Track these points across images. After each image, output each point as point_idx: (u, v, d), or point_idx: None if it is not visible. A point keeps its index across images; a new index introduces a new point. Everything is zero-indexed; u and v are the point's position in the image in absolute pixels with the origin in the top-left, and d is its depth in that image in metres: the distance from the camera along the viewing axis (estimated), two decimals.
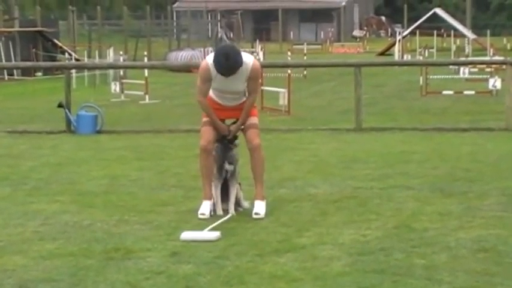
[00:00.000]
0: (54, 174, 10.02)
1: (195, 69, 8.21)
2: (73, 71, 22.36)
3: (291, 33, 61.69)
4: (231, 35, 51.92)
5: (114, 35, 49.36)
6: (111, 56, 27.99)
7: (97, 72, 26.82)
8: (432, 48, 39.48)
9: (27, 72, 30.72)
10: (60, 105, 14.70)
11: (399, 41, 39.26)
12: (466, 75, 25.27)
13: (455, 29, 44.93)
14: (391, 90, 23.88)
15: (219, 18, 51.39)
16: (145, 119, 16.86)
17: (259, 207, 7.53)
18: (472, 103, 19.09)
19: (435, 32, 43.06)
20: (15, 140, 13.42)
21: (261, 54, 34.12)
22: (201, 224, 7.14)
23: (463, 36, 43.85)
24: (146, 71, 21.47)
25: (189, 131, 13.39)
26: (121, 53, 27.91)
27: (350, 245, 6.47)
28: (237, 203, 7.74)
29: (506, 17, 72.34)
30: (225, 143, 7.68)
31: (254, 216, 7.45)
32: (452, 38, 40.30)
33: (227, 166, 7.66)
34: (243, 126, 7.70)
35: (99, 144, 12.86)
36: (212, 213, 7.55)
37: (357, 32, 68.24)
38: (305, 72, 27.91)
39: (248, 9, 65.19)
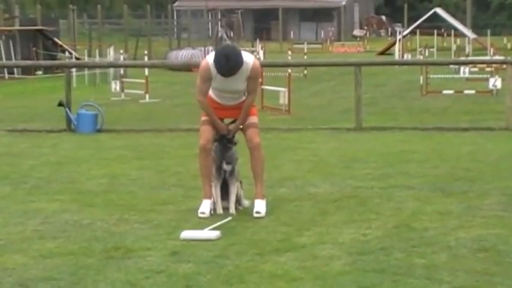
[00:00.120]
0: (54, 173, 10.02)
1: (196, 69, 8.21)
2: (73, 69, 22.37)
3: (291, 32, 61.69)
4: (232, 34, 51.90)
5: (114, 33, 49.38)
6: (111, 54, 27.99)
7: (97, 71, 26.82)
8: (432, 47, 39.48)
9: (27, 71, 30.71)
10: (60, 104, 14.71)
11: (399, 40, 39.27)
12: (467, 75, 25.27)
13: (456, 29, 44.94)
14: (391, 89, 23.88)
15: (219, 17, 51.38)
16: (146, 118, 16.86)
17: (260, 206, 7.53)
18: (472, 103, 19.09)
19: (435, 31, 43.06)
20: (16, 139, 13.42)
21: (261, 53, 34.14)
22: (201, 223, 7.14)
23: (463, 35, 43.85)
24: (146, 70, 21.47)
25: (189, 130, 13.39)
26: (121, 51, 27.93)
27: (350, 245, 6.47)
28: (238, 201, 7.74)
29: (506, 16, 72.34)
30: (224, 142, 7.68)
31: (255, 215, 7.45)
32: (452, 38, 40.29)
33: (225, 166, 7.66)
34: (242, 126, 7.70)
35: (99, 143, 12.86)
36: (212, 212, 7.55)
37: (357, 32, 68.23)
38: (305, 72, 27.91)
39: (248, 8, 65.18)
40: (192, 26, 51.12)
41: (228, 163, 7.67)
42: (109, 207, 7.95)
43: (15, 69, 30.61)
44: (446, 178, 9.32)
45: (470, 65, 24.86)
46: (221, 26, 48.00)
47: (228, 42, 44.15)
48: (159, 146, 12.36)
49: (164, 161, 10.90)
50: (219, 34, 44.81)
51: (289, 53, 27.99)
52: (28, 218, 7.51)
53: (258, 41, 44.08)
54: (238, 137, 7.77)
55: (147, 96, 21.10)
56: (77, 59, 30.87)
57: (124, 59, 25.87)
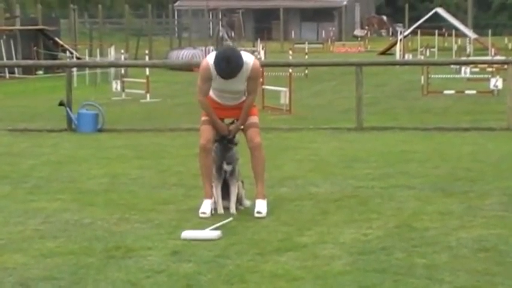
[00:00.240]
0: (54, 172, 10.02)
1: (196, 68, 8.19)
2: (74, 69, 22.38)
3: (292, 32, 61.69)
4: (232, 34, 51.91)
5: (115, 33, 49.36)
6: (112, 54, 27.99)
7: (98, 70, 26.83)
8: (433, 47, 39.49)
9: (28, 70, 30.72)
10: (61, 104, 14.71)
11: (400, 40, 39.25)
12: (468, 75, 25.29)
13: (457, 29, 44.94)
14: (392, 89, 23.88)
15: (220, 17, 51.36)
16: (146, 117, 16.86)
17: (261, 206, 7.53)
18: (473, 103, 19.09)
19: (436, 31, 43.07)
20: (16, 138, 13.42)
21: (262, 53, 34.13)
22: (202, 223, 7.13)
23: (464, 35, 43.86)
24: (147, 69, 21.47)
25: (189, 130, 13.39)
26: (122, 51, 27.94)
27: (351, 244, 6.47)
28: (239, 201, 7.74)
29: (507, 16, 72.34)
30: (225, 143, 7.67)
31: (256, 215, 7.44)
32: (453, 38, 40.31)
33: (225, 166, 7.66)
34: (242, 126, 7.69)
35: (100, 142, 12.86)
36: (213, 212, 7.55)
37: (358, 31, 68.24)
38: (306, 72, 27.91)
39: (249, 8, 65.19)
40: (193, 26, 51.10)
41: (228, 163, 7.66)
42: (110, 206, 7.94)
43: (16, 69, 30.62)
44: (447, 178, 9.32)
45: (471, 65, 24.88)
46: (222, 26, 48.00)
47: (229, 42, 44.19)
48: (159, 146, 12.36)
49: (165, 160, 10.89)
50: (220, 34, 44.81)
51: (290, 52, 28.02)
52: (28, 218, 7.51)
53: (259, 40, 44.09)
54: (239, 137, 7.76)
55: (148, 95, 21.10)
56: (78, 58, 30.85)
57: (125, 58, 25.88)
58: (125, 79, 22.70)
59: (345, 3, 68.61)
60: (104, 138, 13.32)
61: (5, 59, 30.34)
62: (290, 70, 18.49)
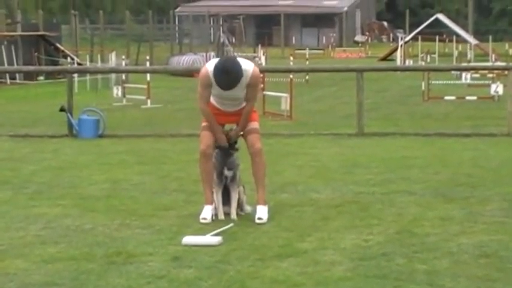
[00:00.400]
0: (55, 178, 10.02)
1: (197, 74, 8.19)
2: (75, 75, 22.40)
3: (293, 38, 61.76)
4: (233, 39, 51.96)
5: (116, 39, 49.41)
6: (113, 60, 28.02)
7: (99, 76, 26.84)
8: (434, 53, 39.50)
9: (29, 76, 30.75)
10: (62, 109, 14.71)
11: (401, 46, 39.28)
12: (468, 81, 25.30)
13: (457, 35, 44.97)
14: (393, 95, 23.89)
15: (221, 22, 51.41)
16: (147, 123, 16.86)
17: (262, 212, 7.53)
18: (474, 108, 19.09)
19: (437, 37, 43.10)
20: (17, 144, 13.43)
21: (263, 59, 34.15)
22: (202, 229, 7.13)
23: (465, 41, 43.89)
24: (148, 75, 21.50)
25: (190, 136, 13.38)
26: (123, 57, 27.98)
27: (352, 250, 6.47)
28: (240, 207, 7.74)
29: (508, 22, 72.41)
30: (225, 148, 7.68)
31: (257, 221, 7.45)
32: (454, 44, 40.35)
33: (226, 172, 7.66)
34: (242, 132, 7.70)
35: (100, 148, 12.87)
36: (214, 217, 7.55)
37: (358, 37, 68.30)
38: (307, 77, 27.93)
39: (250, 14, 65.25)
40: (194, 32, 51.14)
41: (229, 169, 7.67)
42: (110, 212, 7.95)
43: (17, 75, 30.64)
44: (448, 184, 9.32)
45: (472, 71, 24.88)
46: (223, 32, 48.02)
47: (230, 48, 44.21)
48: (160, 151, 12.37)
49: (166, 166, 10.90)
50: (221, 40, 44.83)
51: (291, 58, 27.99)
52: (30, 223, 7.51)
53: (259, 46, 44.13)
54: (240, 142, 7.77)
55: (148, 101, 21.11)
56: (79, 64, 30.88)
57: (126, 64, 25.89)
58: (126, 85, 22.72)
59: (345, 9, 68.68)
60: (104, 144, 13.33)
61: (6, 64, 30.37)
62: (291, 76, 18.50)
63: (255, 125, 7.73)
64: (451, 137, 13.81)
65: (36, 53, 32.91)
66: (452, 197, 8.54)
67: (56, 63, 31.45)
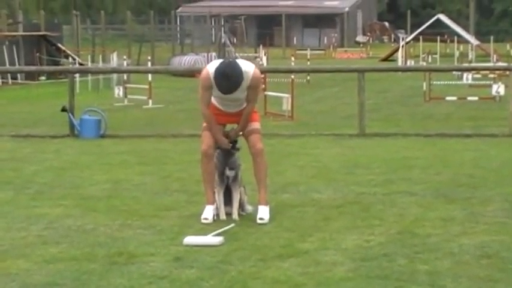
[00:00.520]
0: (57, 178, 10.03)
1: (198, 74, 8.20)
2: (76, 75, 22.39)
3: (295, 38, 61.76)
4: (235, 40, 51.94)
5: (117, 39, 49.39)
6: (114, 60, 28.02)
7: (100, 76, 26.85)
8: (435, 54, 39.50)
9: (30, 76, 30.76)
10: (63, 110, 14.72)
11: (402, 46, 39.27)
12: (470, 81, 25.28)
13: (459, 35, 44.98)
14: (394, 95, 23.88)
15: (222, 23, 51.40)
16: (149, 123, 16.87)
17: (264, 213, 7.53)
18: (475, 109, 19.09)
19: (438, 37, 43.09)
20: (19, 144, 13.44)
21: (264, 59, 34.14)
22: (204, 229, 7.14)
23: (466, 42, 43.87)
24: (150, 75, 21.51)
25: (192, 136, 13.39)
26: (124, 57, 27.97)
27: (353, 251, 6.47)
28: (241, 207, 7.75)
29: (509, 23, 72.34)
30: (226, 148, 7.68)
31: (259, 221, 7.45)
32: (455, 44, 40.34)
33: (228, 172, 7.67)
34: (243, 133, 7.71)
35: (102, 148, 12.87)
36: (215, 217, 7.56)
37: (360, 38, 68.29)
38: (308, 78, 27.93)
39: (251, 14, 65.23)
40: (195, 32, 51.15)
41: (231, 169, 7.67)
42: (112, 212, 7.95)
43: (18, 75, 30.65)
44: (449, 184, 9.32)
45: (473, 72, 24.87)
46: (224, 32, 48.01)
47: (231, 48, 44.19)
48: (162, 152, 12.37)
49: (167, 166, 10.90)
50: (222, 40, 44.81)
51: (292, 59, 28.04)
52: (31, 223, 7.51)
53: (261, 46, 44.10)
54: (241, 142, 7.77)
55: (150, 101, 21.12)
56: (80, 64, 30.90)
57: (127, 64, 25.90)
58: (127, 85, 22.72)
59: (347, 9, 68.66)
60: (106, 144, 13.33)
61: (7, 64, 30.39)
62: (292, 76, 18.51)
63: (256, 125, 7.73)
64: (452, 137, 13.81)
65: (37, 53, 32.92)
66: (454, 198, 8.54)
67: (57, 64, 31.46)
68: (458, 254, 6.36)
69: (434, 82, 22.89)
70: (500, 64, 25.10)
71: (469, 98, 21.20)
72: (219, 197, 7.64)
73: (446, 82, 24.67)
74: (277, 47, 57.71)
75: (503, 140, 13.44)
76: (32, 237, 7.02)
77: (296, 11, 67.38)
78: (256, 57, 37.59)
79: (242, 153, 7.80)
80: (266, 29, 64.57)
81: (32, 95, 25.63)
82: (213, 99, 7.67)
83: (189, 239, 6.73)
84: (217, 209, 7.62)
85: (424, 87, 21.90)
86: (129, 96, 22.09)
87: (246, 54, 40.56)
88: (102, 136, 14.28)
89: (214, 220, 7.49)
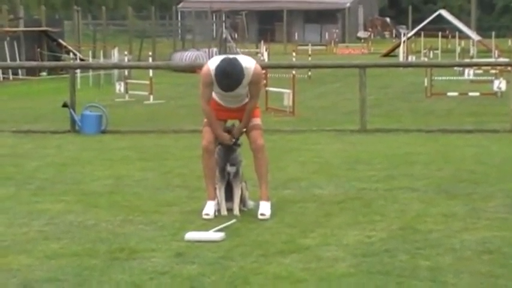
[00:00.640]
0: (58, 174, 10.03)
1: (199, 70, 8.19)
2: (78, 71, 22.37)
3: (296, 34, 61.63)
4: (236, 35, 51.92)
5: (118, 35, 49.37)
6: (115, 56, 28.01)
7: (102, 72, 26.84)
8: (437, 49, 39.43)
9: (32, 72, 30.75)
10: (64, 105, 14.72)
11: (404, 42, 39.24)
12: (471, 77, 25.28)
13: (460, 31, 44.93)
14: (395, 91, 23.87)
15: (223, 18, 51.38)
16: (150, 119, 16.87)
17: (265, 208, 7.53)
18: (476, 105, 19.08)
19: (440, 33, 43.05)
20: (20, 140, 13.44)
21: (265, 55, 34.11)
22: (205, 225, 7.14)
23: (467, 37, 43.84)
24: (151, 71, 21.51)
25: (193, 132, 13.38)
26: (126, 53, 27.94)
27: (354, 246, 6.47)
28: (242, 203, 7.74)
29: (511, 19, 72.24)
30: (227, 144, 7.68)
31: (260, 217, 7.45)
32: (457, 40, 40.31)
33: (229, 168, 7.66)
34: (245, 129, 7.70)
35: (103, 144, 12.87)
36: (216, 213, 7.55)
37: (361, 33, 68.24)
38: (310, 73, 27.91)
39: (253, 10, 65.20)
40: (197, 28, 51.11)
41: (232, 165, 7.67)
42: (113, 208, 7.95)
43: (19, 70, 30.64)
44: (451, 180, 9.32)
45: (475, 67, 24.86)
46: (225, 28, 47.99)
47: (232, 44, 44.17)
48: (163, 147, 12.37)
49: (168, 162, 10.90)
50: (223, 35, 44.79)
51: (294, 54, 28.03)
52: (32, 219, 7.52)
53: (262, 42, 44.05)
54: (242, 138, 7.77)
55: (151, 97, 21.12)
56: (81, 60, 30.88)
57: (128, 60, 25.89)
58: (128, 81, 22.72)
59: (348, 5, 68.61)
60: (107, 140, 13.33)
61: (8, 60, 30.38)
62: (293, 72, 18.50)
63: (257, 121, 7.73)
64: (453, 133, 13.81)
65: (38, 49, 32.91)
66: (455, 193, 8.53)
67: (58, 59, 31.45)
68: (459, 249, 6.36)
69: (435, 78, 22.87)
70: (502, 60, 25.05)
71: (471, 94, 21.18)
72: (220, 193, 7.64)
73: (447, 78, 24.65)
74: (278, 42, 57.68)
75: (505, 135, 13.43)
76: (33, 232, 7.03)
77: (297, 6, 67.32)
78: (257, 53, 37.56)
79: (243, 149, 7.79)
80: (267, 24, 64.53)
81: (33, 90, 25.63)
82: (214, 95, 7.66)
83: (191, 235, 6.73)
84: (218, 204, 7.62)
85: (426, 83, 21.89)
86: (130, 92, 22.09)
87: (247, 50, 40.55)
88: (103, 132, 14.28)
89: (215, 216, 7.49)
